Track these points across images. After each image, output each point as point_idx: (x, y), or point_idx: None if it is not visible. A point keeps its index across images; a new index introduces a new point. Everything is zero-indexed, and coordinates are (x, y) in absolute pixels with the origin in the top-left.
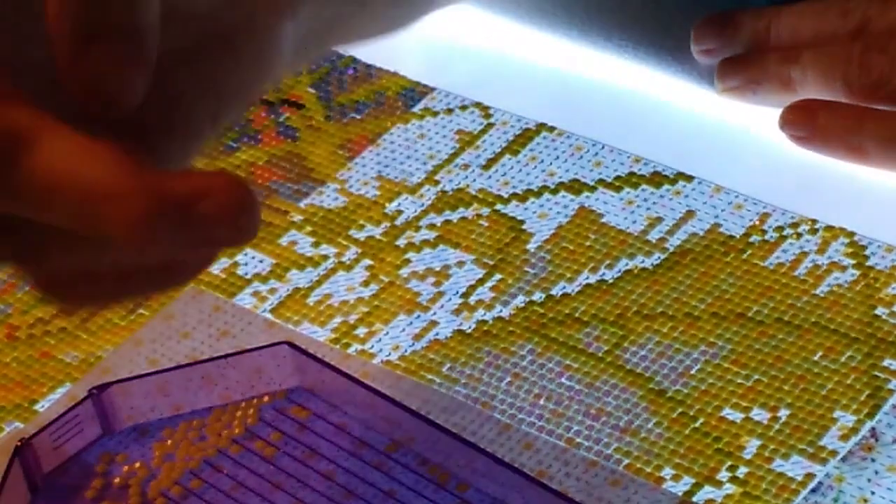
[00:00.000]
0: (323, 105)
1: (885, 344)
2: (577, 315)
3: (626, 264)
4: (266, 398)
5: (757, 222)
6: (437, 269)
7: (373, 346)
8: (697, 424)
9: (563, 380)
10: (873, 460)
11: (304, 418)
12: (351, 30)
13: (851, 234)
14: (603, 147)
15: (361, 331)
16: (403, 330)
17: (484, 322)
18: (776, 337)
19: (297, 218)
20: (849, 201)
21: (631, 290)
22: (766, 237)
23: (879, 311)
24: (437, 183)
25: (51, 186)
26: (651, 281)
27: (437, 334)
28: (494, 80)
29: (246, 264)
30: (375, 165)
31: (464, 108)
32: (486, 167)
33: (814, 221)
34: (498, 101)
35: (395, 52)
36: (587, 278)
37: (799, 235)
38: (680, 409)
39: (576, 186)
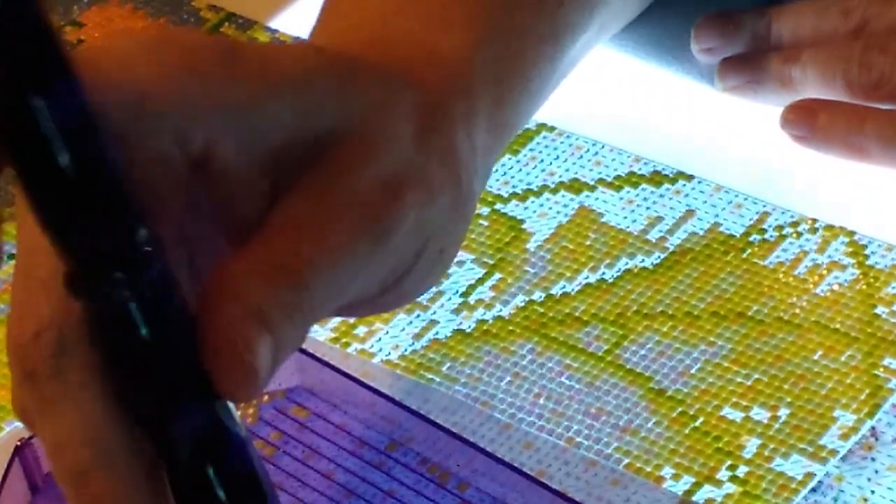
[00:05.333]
0: None
1: (885, 343)
2: (577, 314)
3: (626, 263)
4: (265, 397)
5: (757, 221)
6: None
7: (372, 346)
8: (697, 424)
9: (563, 379)
10: (873, 459)
11: (303, 418)
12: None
13: (851, 233)
14: (603, 146)
15: (361, 330)
16: (403, 329)
17: (484, 321)
18: (776, 336)
19: None
20: (849, 201)
21: (631, 290)
22: (766, 236)
23: (879, 310)
24: None
25: None
26: (651, 280)
27: (436, 333)
28: None
29: None
30: None
31: None
32: None
33: (814, 221)
34: None
35: None
36: (587, 278)
37: (799, 234)
38: (680, 409)
39: (576, 186)
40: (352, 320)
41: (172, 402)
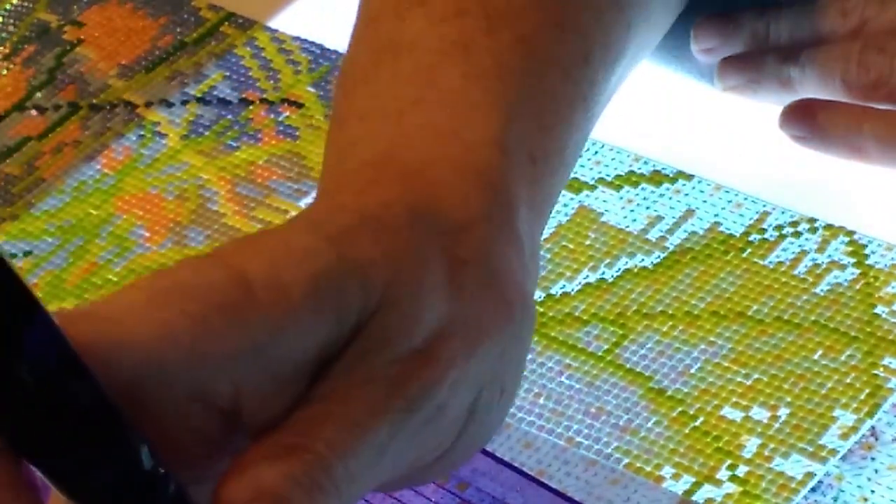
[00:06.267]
0: (323, 104)
1: (884, 342)
2: (576, 314)
3: (626, 263)
4: None
5: (756, 221)
6: None
7: None
8: (697, 423)
9: (562, 378)
10: (873, 459)
11: None
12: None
13: (851, 232)
14: (603, 146)
15: None
16: None
17: None
18: (776, 336)
19: None
20: (849, 200)
21: (631, 289)
22: (766, 236)
23: (879, 309)
24: None
25: None
26: (651, 280)
27: None
28: None
29: None
30: None
31: None
32: None
33: (813, 220)
34: None
35: None
36: (587, 277)
37: (798, 234)
38: (680, 408)
39: (575, 185)
40: None
41: None
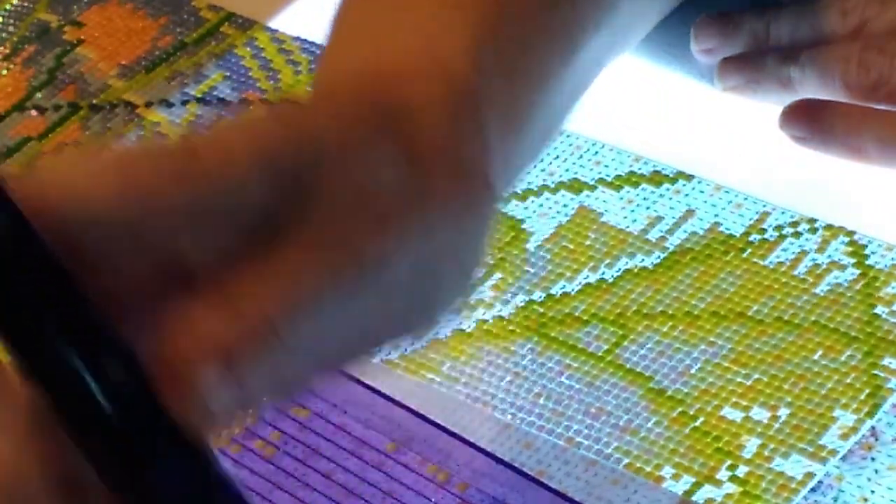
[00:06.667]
0: None
1: (884, 343)
2: (576, 314)
3: (626, 263)
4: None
5: (757, 221)
6: None
7: None
8: (697, 423)
9: (562, 379)
10: (873, 459)
11: (303, 417)
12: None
13: (851, 233)
14: (603, 146)
15: None
16: None
17: (484, 321)
18: (776, 336)
19: None
20: (849, 200)
21: (631, 290)
22: (766, 236)
23: (879, 309)
24: None
25: None
26: (651, 280)
27: (436, 333)
28: None
29: None
30: None
31: None
32: None
33: (813, 220)
34: None
35: None
36: (587, 277)
37: (799, 234)
38: (680, 409)
39: (576, 185)
40: None
41: (149, 460)
